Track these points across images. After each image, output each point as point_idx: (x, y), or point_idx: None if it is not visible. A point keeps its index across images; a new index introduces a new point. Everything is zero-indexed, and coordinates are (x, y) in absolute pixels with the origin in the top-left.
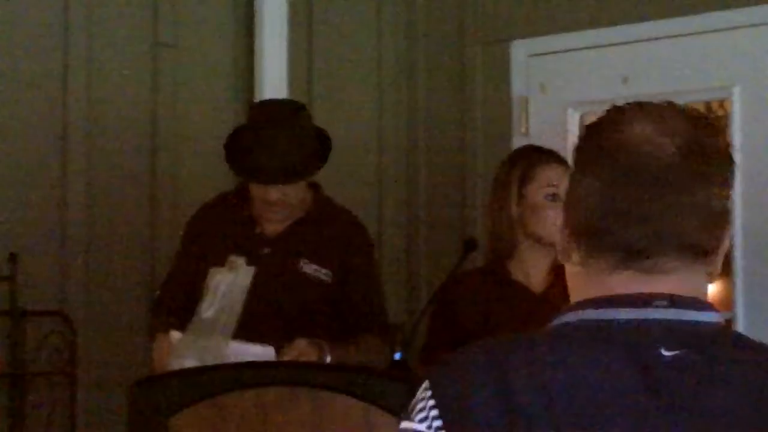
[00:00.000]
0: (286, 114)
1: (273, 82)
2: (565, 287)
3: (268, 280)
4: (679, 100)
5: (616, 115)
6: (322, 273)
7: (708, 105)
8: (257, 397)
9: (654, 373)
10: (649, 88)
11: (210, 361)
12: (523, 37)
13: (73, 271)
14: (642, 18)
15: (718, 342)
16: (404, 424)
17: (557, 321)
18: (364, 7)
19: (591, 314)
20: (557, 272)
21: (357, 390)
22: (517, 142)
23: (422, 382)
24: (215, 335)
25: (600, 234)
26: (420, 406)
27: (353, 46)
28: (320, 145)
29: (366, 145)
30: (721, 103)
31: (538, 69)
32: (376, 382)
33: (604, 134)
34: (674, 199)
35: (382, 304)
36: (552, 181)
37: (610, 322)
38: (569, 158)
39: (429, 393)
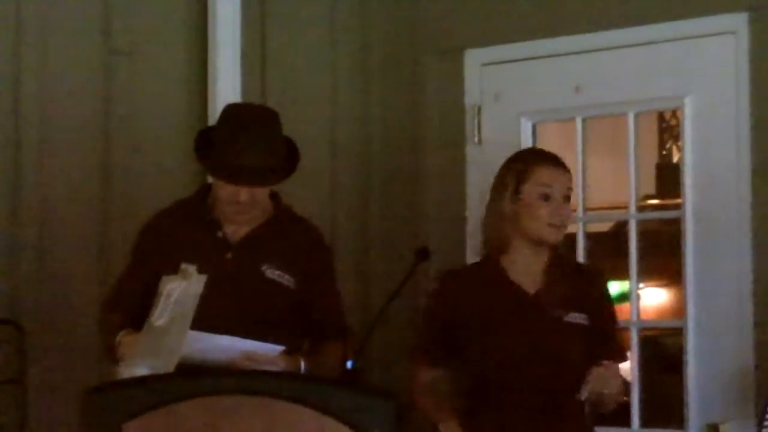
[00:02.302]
0: (261, 118)
1: (226, 89)
2: (559, 288)
3: (232, 284)
4: (631, 110)
5: None
6: (285, 278)
7: (661, 114)
8: (210, 406)
9: None
10: (602, 97)
11: (162, 366)
12: (476, 46)
13: (23, 280)
14: (594, 28)
15: None
16: None
17: None
18: (317, 14)
19: None
20: (551, 272)
21: (309, 398)
22: (471, 150)
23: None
24: (169, 336)
25: None
26: None
27: (307, 54)
28: (290, 151)
29: (319, 153)
30: (674, 113)
31: (492, 78)
32: (328, 390)
33: None
34: None
35: (342, 310)
36: (545, 181)
37: None
38: None
39: None
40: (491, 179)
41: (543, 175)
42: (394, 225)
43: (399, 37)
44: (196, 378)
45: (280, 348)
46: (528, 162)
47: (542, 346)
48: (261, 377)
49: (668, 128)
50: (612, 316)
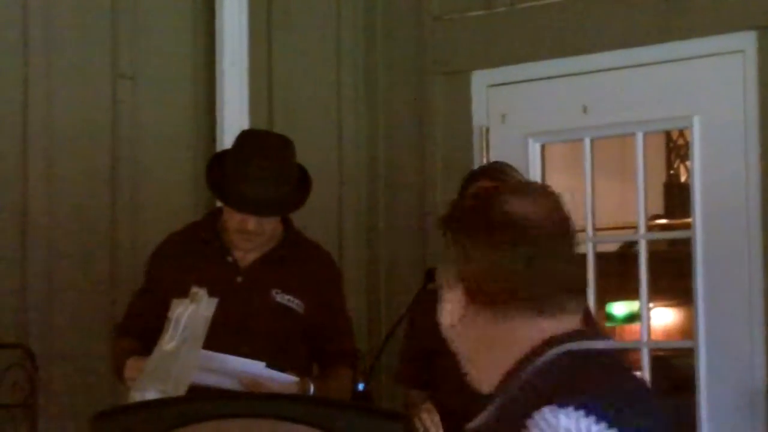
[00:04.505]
0: (274, 146)
1: (233, 114)
2: None
3: (242, 308)
4: (640, 130)
5: None
6: (295, 303)
7: (669, 134)
8: (219, 429)
9: None
10: (609, 118)
11: (173, 390)
12: (483, 67)
13: (34, 304)
14: (601, 48)
15: None
16: None
17: None
18: (324, 37)
19: None
20: None
21: (319, 421)
22: None
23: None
24: (181, 358)
25: None
26: None
27: (314, 76)
28: (301, 181)
29: (326, 176)
30: (682, 133)
31: (498, 99)
32: (337, 413)
33: None
34: None
35: (352, 334)
36: None
37: None
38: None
39: None
40: None
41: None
42: (402, 247)
43: (405, 59)
44: (204, 401)
45: (294, 379)
46: (466, 180)
47: None
48: (270, 400)
49: (675, 148)
50: None
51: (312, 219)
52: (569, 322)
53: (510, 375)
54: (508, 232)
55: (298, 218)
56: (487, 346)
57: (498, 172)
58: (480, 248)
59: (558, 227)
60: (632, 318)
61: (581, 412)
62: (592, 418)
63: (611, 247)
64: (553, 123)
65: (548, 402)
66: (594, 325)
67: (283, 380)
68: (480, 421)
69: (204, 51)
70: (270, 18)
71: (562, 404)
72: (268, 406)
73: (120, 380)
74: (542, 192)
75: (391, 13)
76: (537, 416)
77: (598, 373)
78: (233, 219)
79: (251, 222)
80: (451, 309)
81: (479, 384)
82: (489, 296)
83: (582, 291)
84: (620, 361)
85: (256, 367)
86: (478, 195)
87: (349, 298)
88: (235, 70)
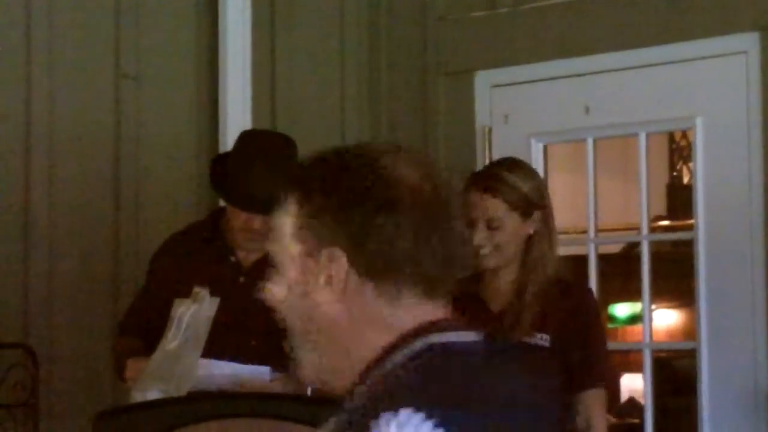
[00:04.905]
0: (277, 146)
1: (236, 113)
2: (522, 307)
3: (244, 308)
4: (642, 131)
5: None
6: None
7: (671, 135)
8: (221, 429)
9: None
10: (612, 118)
11: (174, 390)
12: (486, 67)
13: (36, 304)
14: (604, 49)
15: None
16: None
17: None
18: (327, 37)
19: None
20: (519, 291)
21: (320, 421)
22: None
23: None
24: (183, 360)
25: None
26: None
27: (317, 76)
28: None
29: None
30: (684, 134)
31: (501, 99)
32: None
33: None
34: None
35: None
36: (468, 206)
37: None
38: None
39: None
40: None
41: (468, 200)
42: None
43: (408, 59)
44: (206, 401)
45: (266, 369)
46: (466, 185)
47: None
48: (272, 400)
49: (678, 149)
50: (581, 335)
51: None
52: (440, 308)
53: (371, 369)
54: (389, 194)
55: None
56: (359, 329)
57: (494, 175)
58: (356, 211)
59: (444, 199)
60: (634, 319)
61: (420, 416)
62: (429, 424)
63: (614, 248)
64: (556, 123)
65: (387, 407)
66: (595, 318)
67: (259, 373)
68: (330, 427)
69: (207, 50)
70: (273, 18)
71: (397, 409)
72: (270, 405)
73: (121, 379)
74: (420, 161)
75: (394, 13)
76: (381, 420)
77: (458, 371)
78: (238, 218)
79: (257, 221)
80: (331, 280)
81: (333, 379)
82: (376, 267)
83: (454, 276)
84: (492, 357)
85: (230, 368)
86: (345, 152)
87: None
88: (238, 70)
